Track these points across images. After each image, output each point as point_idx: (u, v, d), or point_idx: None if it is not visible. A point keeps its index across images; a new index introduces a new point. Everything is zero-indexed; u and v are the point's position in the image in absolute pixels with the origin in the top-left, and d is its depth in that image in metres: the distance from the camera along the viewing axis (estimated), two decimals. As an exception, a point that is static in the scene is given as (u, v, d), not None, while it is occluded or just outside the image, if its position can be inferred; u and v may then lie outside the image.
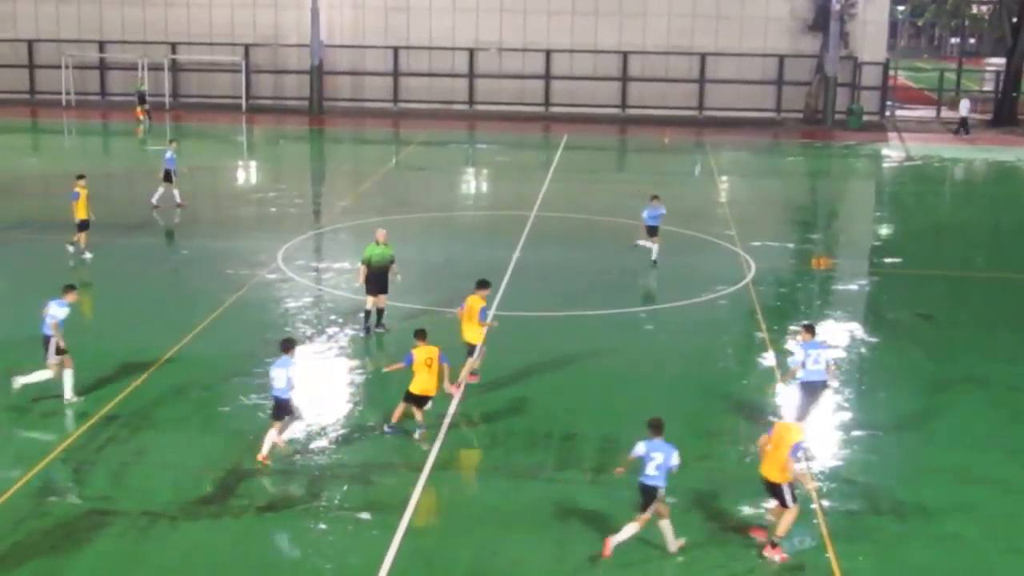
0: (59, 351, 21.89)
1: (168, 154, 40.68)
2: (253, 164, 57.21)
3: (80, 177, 34.34)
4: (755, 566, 16.39)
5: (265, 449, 19.46)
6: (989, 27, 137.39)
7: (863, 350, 26.79)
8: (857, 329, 28.35)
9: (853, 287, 33.33)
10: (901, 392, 23.78)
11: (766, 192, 50.08)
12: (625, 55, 71.69)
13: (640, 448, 16.86)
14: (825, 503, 18.36)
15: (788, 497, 16.61)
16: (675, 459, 16.81)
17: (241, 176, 53.48)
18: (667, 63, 71.57)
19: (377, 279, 26.47)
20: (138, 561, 16.30)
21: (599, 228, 39.52)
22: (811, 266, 35.43)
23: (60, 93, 72.14)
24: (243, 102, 71.26)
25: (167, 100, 71.28)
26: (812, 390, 21.02)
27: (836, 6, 66.89)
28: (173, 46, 72.83)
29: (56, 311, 21.99)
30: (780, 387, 23.09)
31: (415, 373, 20.46)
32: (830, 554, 16.77)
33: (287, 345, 20.14)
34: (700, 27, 71.23)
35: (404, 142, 64.14)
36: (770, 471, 16.73)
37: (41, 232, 36.66)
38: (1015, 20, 75.47)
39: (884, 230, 43.39)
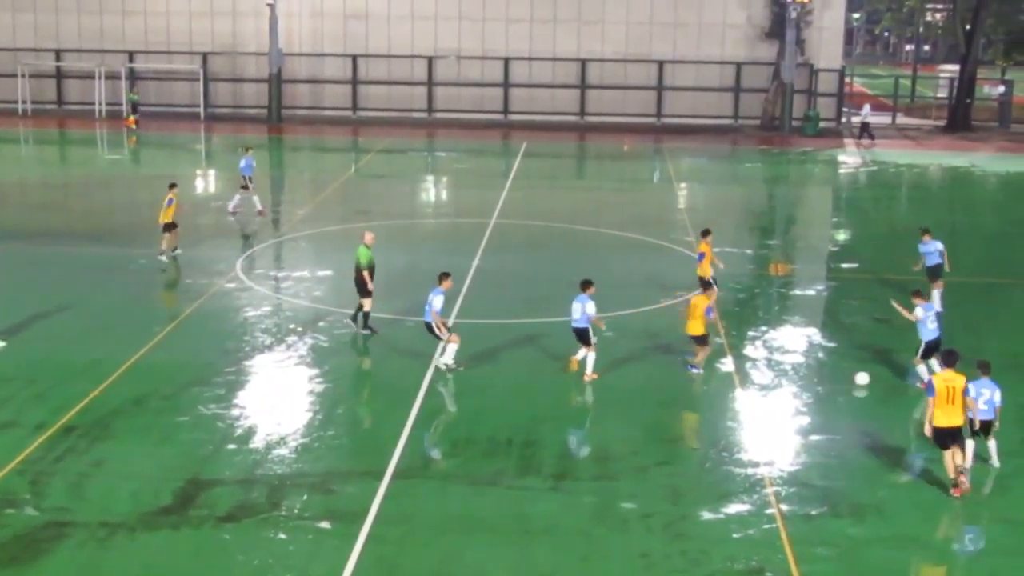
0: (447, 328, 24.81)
1: (243, 162, 41.15)
2: (212, 173, 56.98)
3: (172, 186, 34.96)
4: (714, 571, 16.48)
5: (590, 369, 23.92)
6: (943, 34, 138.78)
7: (821, 355, 26.97)
8: (815, 334, 28.56)
9: (811, 292, 33.57)
10: (858, 396, 23.96)
11: (724, 198, 50.36)
12: (583, 62, 71.92)
13: (971, 390, 18.97)
14: (784, 507, 18.48)
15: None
16: (998, 396, 19.44)
17: (200, 185, 53.25)
18: (625, 70, 71.86)
19: (361, 279, 27.00)
20: (97, 572, 16.22)
21: (559, 235, 39.62)
22: (769, 272, 35.64)
23: (16, 102, 71.64)
24: (201, 111, 71.00)
25: (124, 109, 70.92)
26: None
27: (792, 14, 67.37)
28: (131, 54, 72.50)
29: (434, 299, 24.45)
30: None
31: None
32: (789, 557, 16.87)
33: (585, 284, 24.49)
34: (658, 34, 71.58)
35: (363, 150, 64.07)
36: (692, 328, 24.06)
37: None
38: (968, 28, 76.24)
39: (841, 235, 43.71)
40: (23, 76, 71.25)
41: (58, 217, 35.64)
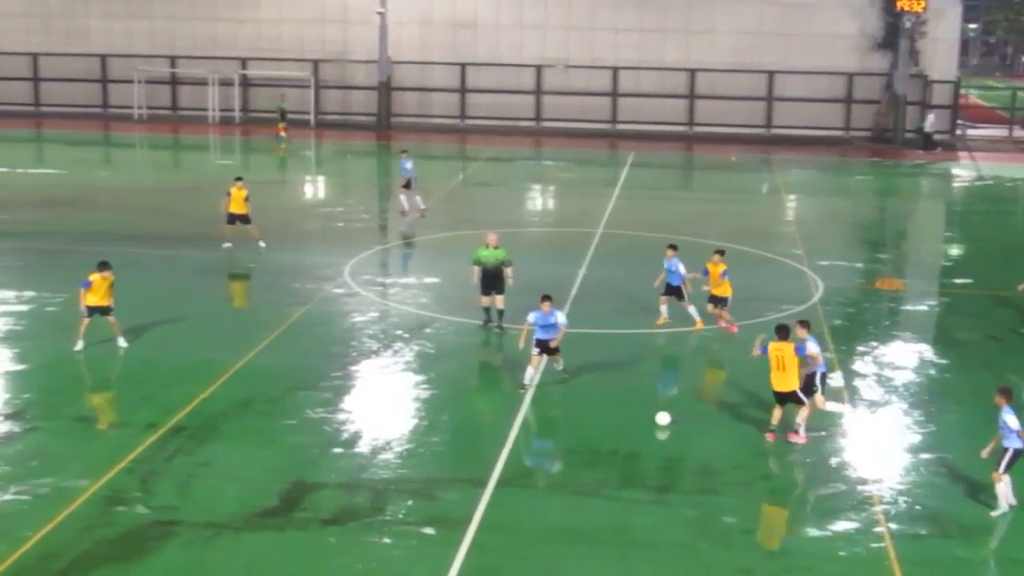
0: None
1: (407, 164, 42.61)
2: (321, 179, 57.60)
3: (238, 179, 36.42)
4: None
5: None
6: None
7: (932, 372, 26.49)
8: (926, 350, 28.05)
9: (922, 308, 32.98)
10: (970, 415, 23.44)
11: (834, 211, 49.69)
12: (692, 72, 71.50)
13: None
14: (892, 526, 18.15)
15: None
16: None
17: (309, 190, 53.89)
18: (734, 80, 71.30)
19: (490, 280, 27.76)
20: (203, 571, 16.44)
21: (666, 246, 39.30)
22: (879, 286, 35.11)
23: (132, 107, 73.05)
24: (312, 117, 71.78)
25: (236, 115, 71.95)
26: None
27: (906, 24, 66.35)
28: (243, 61, 73.53)
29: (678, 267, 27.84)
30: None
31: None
32: (897, 578, 16.60)
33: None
34: (767, 44, 70.89)
35: (470, 158, 64.33)
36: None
37: (109, 244, 37.08)
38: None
39: (954, 250, 42.93)
40: (138, 82, 72.61)
41: (170, 221, 36.31)
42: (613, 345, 27.61)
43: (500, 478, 19.66)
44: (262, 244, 36.13)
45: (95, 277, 25.43)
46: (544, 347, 23.80)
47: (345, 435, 21.50)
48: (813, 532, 17.96)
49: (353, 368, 25.36)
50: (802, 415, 21.46)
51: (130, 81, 72.93)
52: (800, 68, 70.63)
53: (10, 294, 30.94)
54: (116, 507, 18.27)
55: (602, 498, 19.11)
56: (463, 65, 72.89)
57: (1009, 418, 18.54)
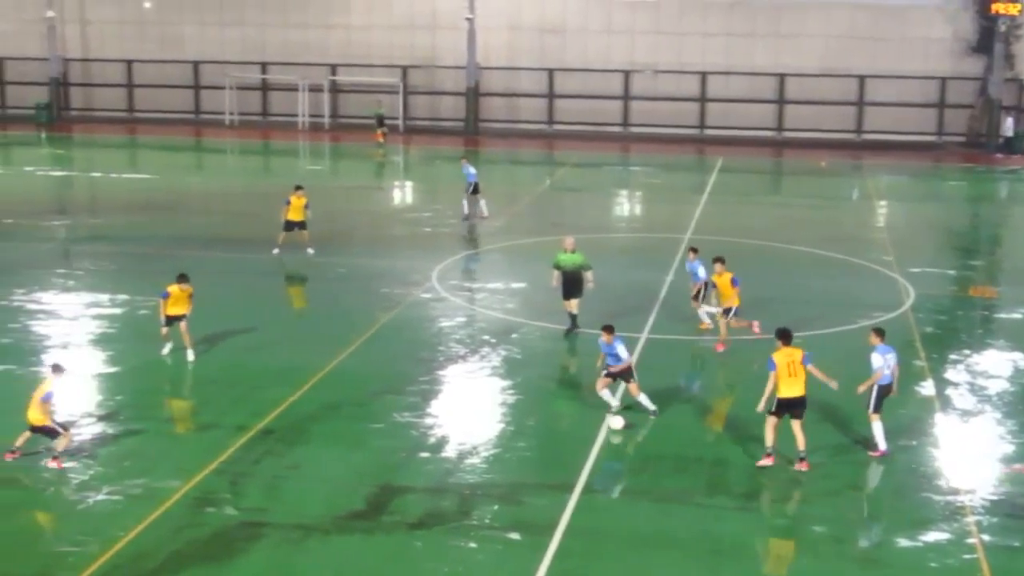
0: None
1: (470, 169, 43.33)
2: (409, 184, 57.91)
3: (298, 188, 36.76)
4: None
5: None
6: None
7: (1026, 381, 26.03)
8: (1021, 359, 27.53)
9: (1017, 316, 32.37)
10: (1066, 425, 23.02)
11: (926, 217, 49.00)
12: (781, 77, 70.93)
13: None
14: (985, 537, 17.85)
15: None
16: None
17: (397, 196, 54.22)
18: (824, 85, 70.60)
19: (570, 284, 27.89)
20: (291, 573, 16.58)
21: (754, 252, 39.05)
22: (972, 293, 34.57)
23: (223, 113, 73.98)
24: (400, 123, 72.22)
25: (326, 121, 72.59)
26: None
27: (1001, 27, 65.29)
28: (333, 67, 74.17)
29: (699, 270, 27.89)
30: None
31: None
32: (990, 590, 16.33)
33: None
34: (857, 48, 70.12)
35: (558, 163, 64.33)
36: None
37: (200, 248, 37.63)
38: None
39: (1050, 257, 42.15)
40: (230, 88, 73.52)
41: (259, 226, 36.72)
42: (701, 351, 27.45)
43: (586, 484, 19.62)
44: (310, 251, 36.44)
45: (174, 289, 25.77)
46: (611, 374, 22.92)
47: (432, 439, 21.58)
48: (904, 543, 17.71)
49: (440, 373, 25.45)
50: (877, 432, 20.97)
51: (222, 87, 73.87)
52: (892, 72, 69.75)
53: (104, 297, 31.45)
54: (206, 508, 18.50)
55: (689, 505, 19.01)
56: (551, 70, 72.93)
57: None
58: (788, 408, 20.32)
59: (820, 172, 60.74)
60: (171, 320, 25.86)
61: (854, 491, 19.80)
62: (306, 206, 36.41)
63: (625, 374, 22.67)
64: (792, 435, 20.19)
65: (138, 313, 29.92)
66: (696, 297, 28.58)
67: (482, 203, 43.21)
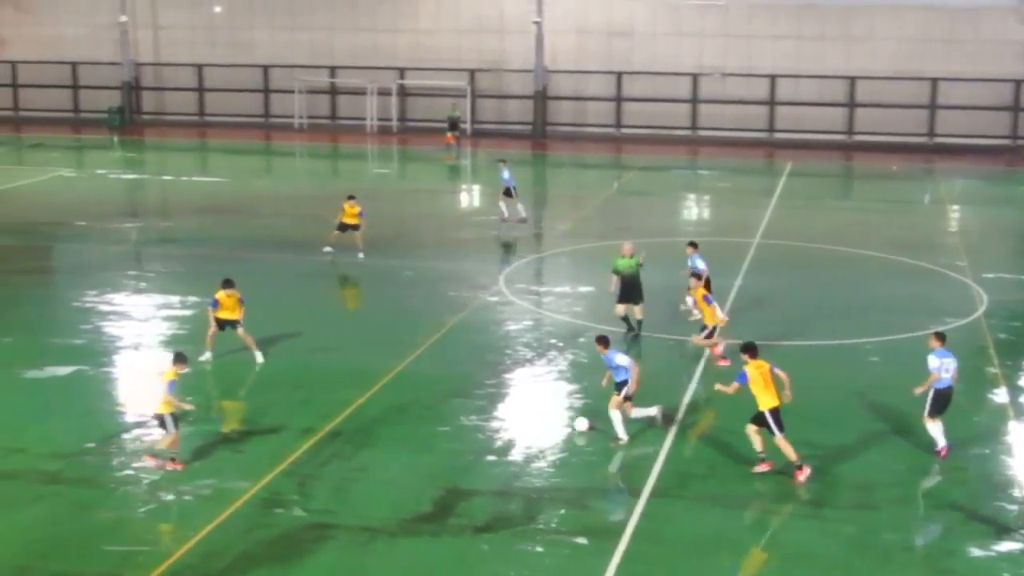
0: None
1: (505, 173, 43.04)
2: (476, 187, 58.01)
3: (350, 197, 37.15)
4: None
5: None
6: None
7: (1103, 388, 25.59)
8: (1097, 366, 27.10)
9: (1093, 322, 31.88)
10: None
11: (999, 222, 48.32)
12: (852, 80, 70.28)
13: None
14: (1061, 547, 17.58)
15: None
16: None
17: (464, 199, 54.33)
18: (896, 88, 69.85)
19: (628, 289, 27.98)
20: (358, 575, 16.63)
21: (824, 256, 38.71)
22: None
23: (292, 117, 74.48)
24: (468, 126, 72.35)
25: (394, 124, 72.87)
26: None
27: (1078, 29, 64.31)
28: (401, 71, 74.44)
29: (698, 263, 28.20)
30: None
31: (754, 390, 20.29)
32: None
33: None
34: (930, 51, 69.26)
35: (625, 167, 64.16)
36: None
37: (268, 251, 37.90)
38: None
39: None
40: (299, 92, 74.00)
41: (327, 229, 36.89)
42: (768, 356, 27.19)
43: (653, 488, 19.55)
44: (361, 256, 36.54)
45: (221, 295, 25.98)
46: (627, 397, 22.04)
47: (499, 442, 21.59)
48: (976, 552, 17.47)
49: (507, 376, 25.46)
50: (934, 431, 20.73)
51: (291, 91, 74.36)
52: (965, 75, 68.86)
53: (174, 299, 31.76)
54: (274, 509, 18.62)
55: (757, 511, 18.88)
56: (619, 74, 72.74)
57: None
58: (770, 419, 20.16)
59: (891, 176, 60.09)
60: (223, 325, 26.08)
61: (926, 499, 19.56)
62: (359, 214, 36.62)
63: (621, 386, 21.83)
64: (796, 442, 20.09)
65: (208, 315, 30.17)
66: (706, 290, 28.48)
67: (519, 206, 43.08)
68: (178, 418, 20.48)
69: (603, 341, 22.24)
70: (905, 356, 27.09)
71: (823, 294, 33.41)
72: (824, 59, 70.25)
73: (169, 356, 21.41)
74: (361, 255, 36.48)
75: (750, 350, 20.52)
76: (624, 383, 21.69)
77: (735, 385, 20.36)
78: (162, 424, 20.28)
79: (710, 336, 25.99)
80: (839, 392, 24.70)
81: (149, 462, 20.17)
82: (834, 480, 20.09)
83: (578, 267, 36.93)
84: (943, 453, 20.78)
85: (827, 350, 27.81)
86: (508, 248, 40.05)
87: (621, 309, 28.31)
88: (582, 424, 22.24)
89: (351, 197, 37.19)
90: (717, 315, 26.03)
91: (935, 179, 58.38)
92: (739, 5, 70.89)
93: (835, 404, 23.90)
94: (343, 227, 36.72)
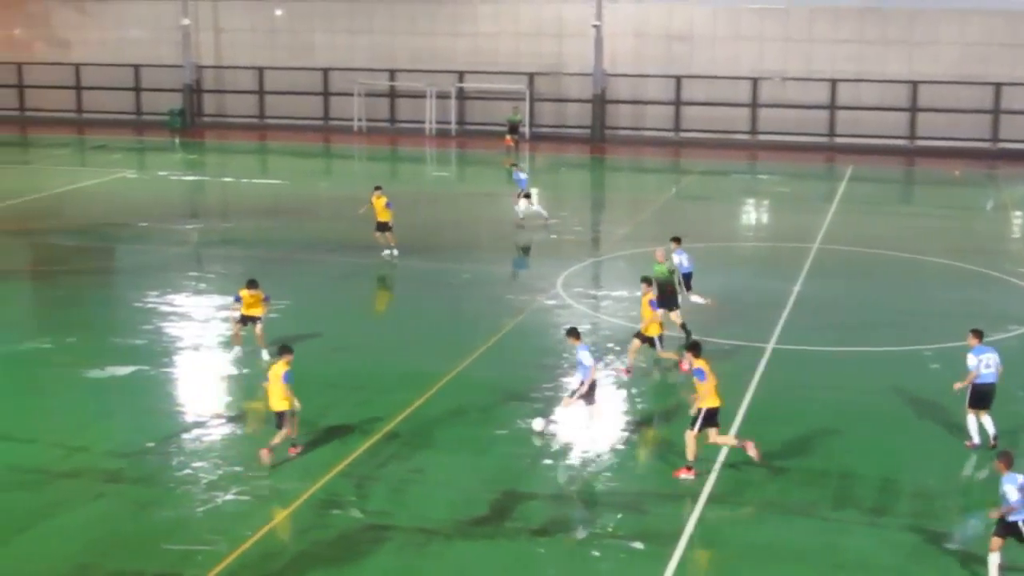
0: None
1: (520, 176, 43.79)
2: (534, 191, 57.87)
3: (377, 188, 37.57)
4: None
5: None
6: None
7: None
8: None
9: None
10: None
11: (1063, 228, 47.73)
12: (914, 84, 69.65)
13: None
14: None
15: None
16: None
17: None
18: (959, 93, 69.14)
19: (662, 294, 27.40)
20: (415, 577, 16.71)
21: (885, 262, 38.37)
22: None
23: (352, 119, 74.83)
24: (527, 130, 72.37)
25: (452, 127, 73.04)
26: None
27: None
28: (460, 74, 74.58)
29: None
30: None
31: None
32: None
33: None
34: (995, 55, 68.49)
35: (684, 171, 63.91)
36: None
37: (328, 253, 38.09)
38: None
39: None
40: (359, 95, 74.33)
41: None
42: (828, 363, 27.05)
43: (711, 494, 19.46)
44: (395, 252, 36.81)
45: (244, 293, 26.54)
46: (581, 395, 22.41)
47: (556, 446, 21.58)
48: (1037, 563, 17.25)
49: (564, 380, 25.41)
50: (970, 424, 20.52)
51: (351, 94, 74.67)
52: (1030, 80, 68.03)
53: (232, 300, 31.95)
54: (331, 510, 18.71)
55: (814, 518, 18.76)
56: (678, 78, 72.49)
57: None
58: (714, 418, 20.38)
59: (954, 181, 59.51)
60: (246, 320, 26.69)
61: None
62: (387, 204, 36.83)
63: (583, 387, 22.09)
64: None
65: (268, 317, 30.35)
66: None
67: (536, 208, 43.08)
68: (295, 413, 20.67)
69: (574, 334, 22.62)
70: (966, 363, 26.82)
71: (883, 300, 33.12)
72: (886, 63, 69.64)
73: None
74: (395, 252, 36.60)
75: (695, 348, 20.69)
76: (585, 387, 21.97)
77: (698, 382, 20.29)
78: (280, 423, 20.42)
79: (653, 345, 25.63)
80: (899, 399, 24.47)
81: (265, 457, 20.29)
82: (894, 488, 19.91)
83: (636, 271, 36.68)
84: (969, 445, 21.24)
85: (887, 356, 27.55)
86: (595, 250, 40.18)
87: (668, 315, 27.69)
88: (538, 424, 22.27)
89: (377, 188, 37.38)
90: (660, 323, 25.75)
91: (998, 184, 57.76)
92: (800, 9, 70.42)
93: (895, 410, 23.68)
94: (381, 227, 36.92)
